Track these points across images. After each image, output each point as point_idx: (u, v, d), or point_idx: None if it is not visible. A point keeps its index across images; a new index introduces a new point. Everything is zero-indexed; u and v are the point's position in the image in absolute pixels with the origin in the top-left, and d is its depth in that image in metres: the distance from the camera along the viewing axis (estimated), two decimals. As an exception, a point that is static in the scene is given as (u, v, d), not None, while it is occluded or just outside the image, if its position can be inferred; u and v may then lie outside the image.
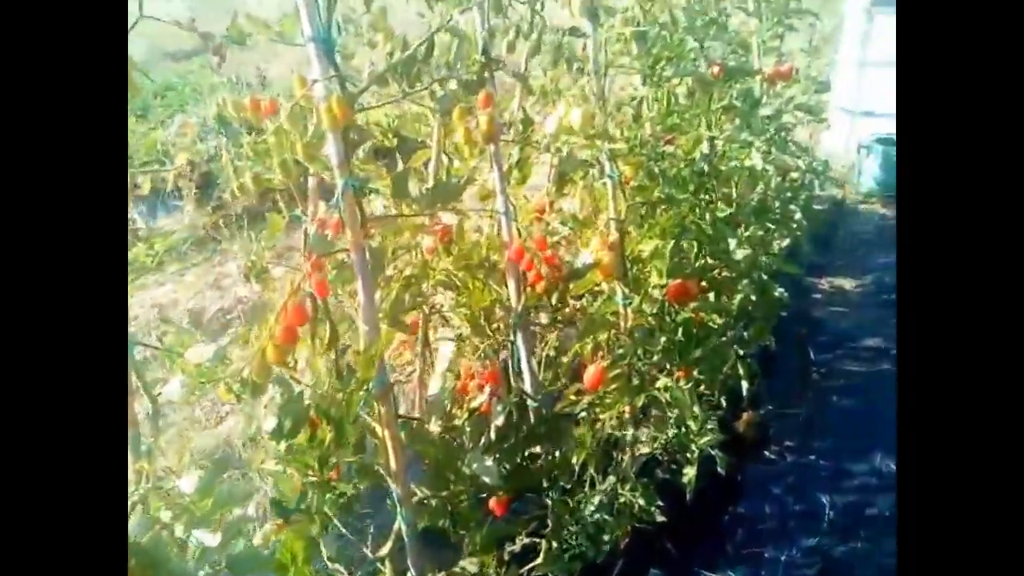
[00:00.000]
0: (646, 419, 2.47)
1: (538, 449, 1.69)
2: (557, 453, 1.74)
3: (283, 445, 1.24)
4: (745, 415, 3.04)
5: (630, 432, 2.31)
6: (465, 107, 1.44)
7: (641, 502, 2.17)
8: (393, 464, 1.35)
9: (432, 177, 2.18)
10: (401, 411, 2.73)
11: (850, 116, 5.76)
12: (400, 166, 1.73)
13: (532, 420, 1.63)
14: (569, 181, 2.20)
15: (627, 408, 2.27)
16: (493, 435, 1.43)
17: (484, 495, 1.59)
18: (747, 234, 2.66)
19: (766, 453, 2.99)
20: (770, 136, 3.37)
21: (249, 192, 1.48)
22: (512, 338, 1.81)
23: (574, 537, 2.04)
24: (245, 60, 8.21)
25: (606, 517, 2.11)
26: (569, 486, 2.17)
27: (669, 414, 2.15)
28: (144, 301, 4.61)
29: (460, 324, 2.98)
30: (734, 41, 2.55)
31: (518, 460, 1.56)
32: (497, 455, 1.43)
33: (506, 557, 1.77)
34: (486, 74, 1.39)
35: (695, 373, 2.24)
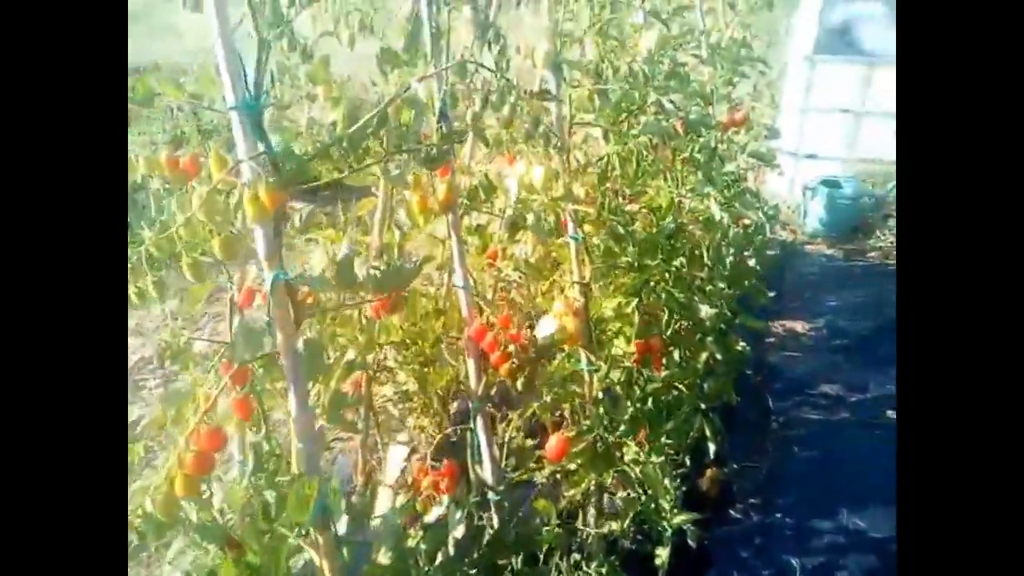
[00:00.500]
0: (614, 487, 2.34)
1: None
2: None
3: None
4: (708, 471, 2.94)
5: (594, 510, 2.17)
6: (420, 175, 1.30)
7: (609, 584, 2.02)
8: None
9: (379, 235, 2.02)
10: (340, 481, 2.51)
11: (793, 159, 5.87)
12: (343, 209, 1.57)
13: (496, 525, 1.47)
14: (521, 227, 2.08)
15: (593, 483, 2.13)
16: (452, 549, 1.27)
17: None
18: (710, 288, 2.59)
19: (731, 512, 2.89)
20: (726, 185, 3.35)
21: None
22: (472, 425, 1.65)
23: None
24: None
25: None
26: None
27: (639, 491, 2.02)
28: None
29: (406, 380, 2.80)
30: (695, 93, 2.49)
31: (482, 576, 1.39)
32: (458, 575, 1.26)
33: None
34: (446, 146, 1.25)
35: (664, 440, 2.13)
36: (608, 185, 1.85)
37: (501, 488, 1.69)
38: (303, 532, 1.15)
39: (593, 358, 2.02)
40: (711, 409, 2.91)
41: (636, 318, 1.92)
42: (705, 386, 2.97)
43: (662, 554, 1.99)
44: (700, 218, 2.69)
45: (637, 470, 2.02)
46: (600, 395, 2.06)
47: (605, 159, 1.94)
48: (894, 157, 5.36)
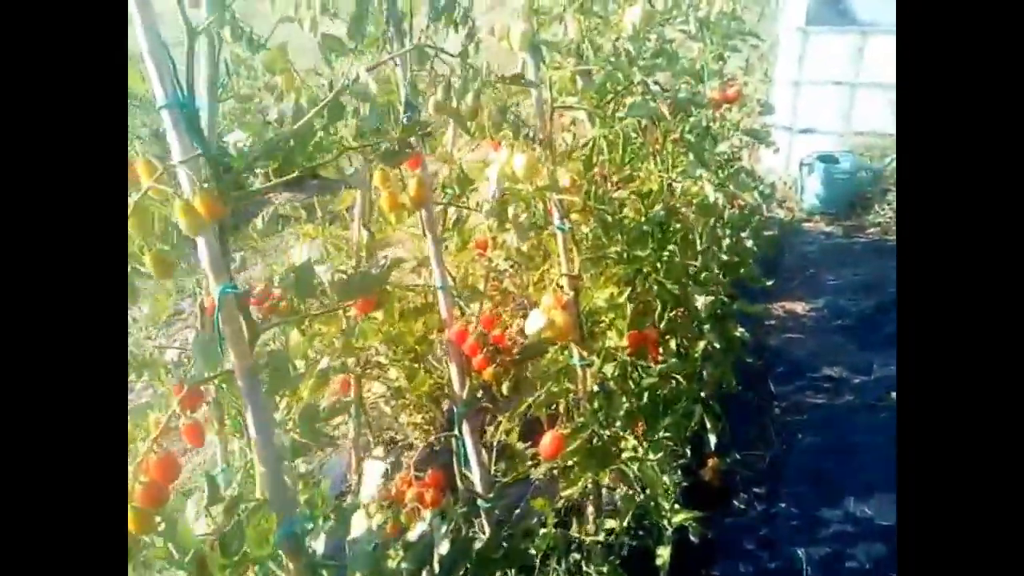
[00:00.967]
0: (613, 482, 2.25)
1: None
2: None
3: None
4: (710, 461, 2.86)
5: (593, 508, 2.09)
6: (387, 170, 1.19)
7: (610, 585, 1.95)
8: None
9: (358, 231, 1.92)
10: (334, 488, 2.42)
11: (788, 134, 5.75)
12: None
13: (486, 538, 1.38)
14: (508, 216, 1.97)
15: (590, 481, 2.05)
16: (437, 567, 1.18)
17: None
18: (704, 275, 2.49)
19: (734, 502, 2.81)
20: (720, 165, 3.25)
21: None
22: (457, 432, 1.55)
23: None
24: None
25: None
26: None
27: (637, 488, 1.93)
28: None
29: (397, 376, 2.71)
30: (684, 71, 2.38)
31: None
32: (445, 596, 1.18)
33: None
34: (412, 139, 1.14)
35: (662, 435, 2.04)
36: (595, 171, 1.74)
37: (491, 495, 1.60)
38: (271, 563, 1.06)
39: (585, 353, 1.93)
40: (711, 397, 2.84)
41: (628, 310, 1.82)
42: (704, 374, 2.90)
43: (663, 553, 1.90)
44: (693, 201, 2.59)
45: (635, 467, 1.93)
46: (596, 389, 1.97)
47: (591, 144, 1.84)
48: (891, 129, 5.24)
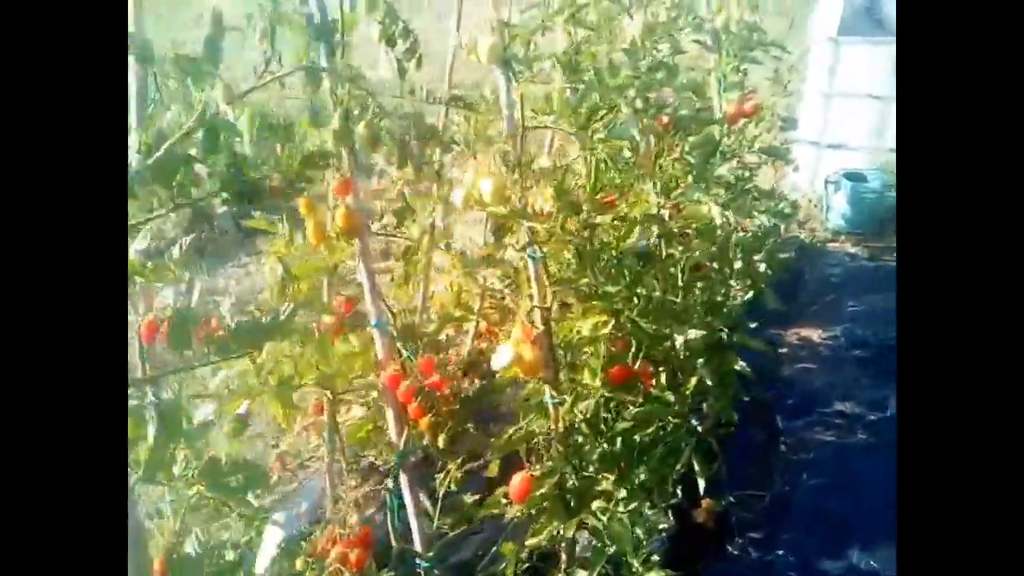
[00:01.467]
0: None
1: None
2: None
3: None
4: (704, 502, 2.68)
5: (565, 556, 1.93)
6: (313, 197, 1.06)
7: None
8: None
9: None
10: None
11: (816, 149, 5.51)
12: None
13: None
14: (508, 231, 1.83)
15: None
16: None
17: None
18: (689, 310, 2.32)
19: (728, 547, 2.63)
20: (728, 184, 3.06)
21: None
22: (390, 485, 1.42)
23: None
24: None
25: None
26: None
27: (607, 542, 1.78)
28: None
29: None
30: (686, 86, 2.21)
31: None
32: None
33: None
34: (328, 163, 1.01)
35: (638, 483, 1.87)
36: (570, 197, 1.59)
37: (430, 554, 1.46)
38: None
39: (555, 392, 1.77)
40: (708, 433, 2.66)
41: (602, 349, 1.67)
42: (704, 407, 2.72)
43: (632, 617, 1.74)
44: (694, 225, 2.42)
45: (605, 518, 1.78)
46: (575, 428, 1.81)
47: (563, 167, 1.68)
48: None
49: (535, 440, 1.91)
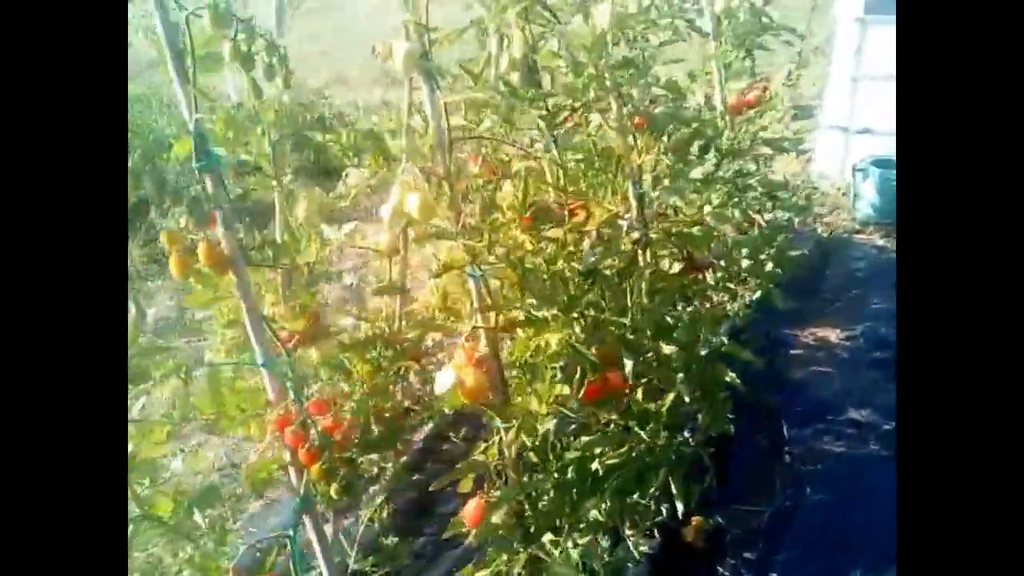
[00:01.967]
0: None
1: None
2: None
3: None
4: (693, 520, 2.54)
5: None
6: (173, 231, 0.98)
7: None
8: None
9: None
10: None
11: (844, 134, 5.22)
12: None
13: None
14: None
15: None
16: None
17: None
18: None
19: (719, 568, 2.49)
20: (728, 180, 2.89)
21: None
22: (291, 532, 1.33)
23: None
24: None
25: None
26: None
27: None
28: None
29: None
30: (662, 84, 2.05)
31: None
32: None
33: None
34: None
35: (595, 516, 1.75)
36: (500, 215, 1.47)
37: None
38: None
39: (503, 419, 1.67)
40: (700, 444, 2.52)
41: (548, 372, 1.55)
42: (699, 417, 2.58)
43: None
44: (674, 230, 2.27)
45: (557, 553, 1.67)
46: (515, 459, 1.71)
47: (496, 180, 1.56)
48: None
49: (495, 464, 1.81)
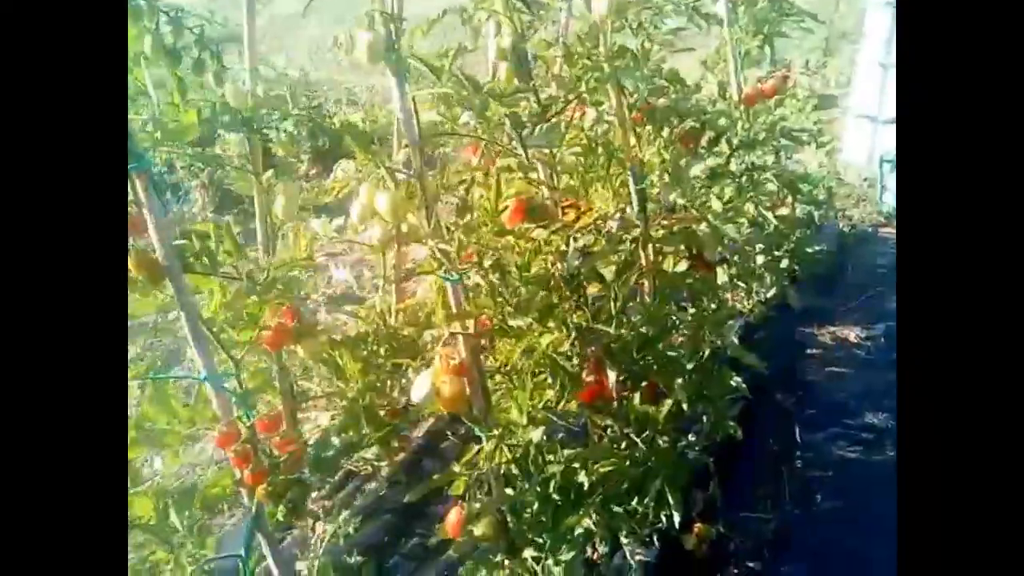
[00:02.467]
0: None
1: None
2: None
3: None
4: (696, 527, 2.45)
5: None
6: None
7: None
8: None
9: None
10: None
11: (872, 124, 5.02)
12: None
13: None
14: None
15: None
16: None
17: None
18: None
19: (721, 580, 2.40)
20: (740, 174, 2.77)
21: None
22: (240, 552, 1.28)
23: None
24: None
25: None
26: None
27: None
28: None
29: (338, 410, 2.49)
30: (659, 74, 1.95)
31: None
32: None
33: None
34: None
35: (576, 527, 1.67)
36: (471, 217, 1.39)
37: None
38: None
39: (483, 428, 1.60)
40: (706, 449, 2.43)
41: (528, 380, 1.47)
42: (704, 420, 2.48)
43: None
44: (676, 228, 2.17)
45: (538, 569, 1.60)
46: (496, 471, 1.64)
47: (469, 179, 1.47)
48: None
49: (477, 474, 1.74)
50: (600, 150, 1.92)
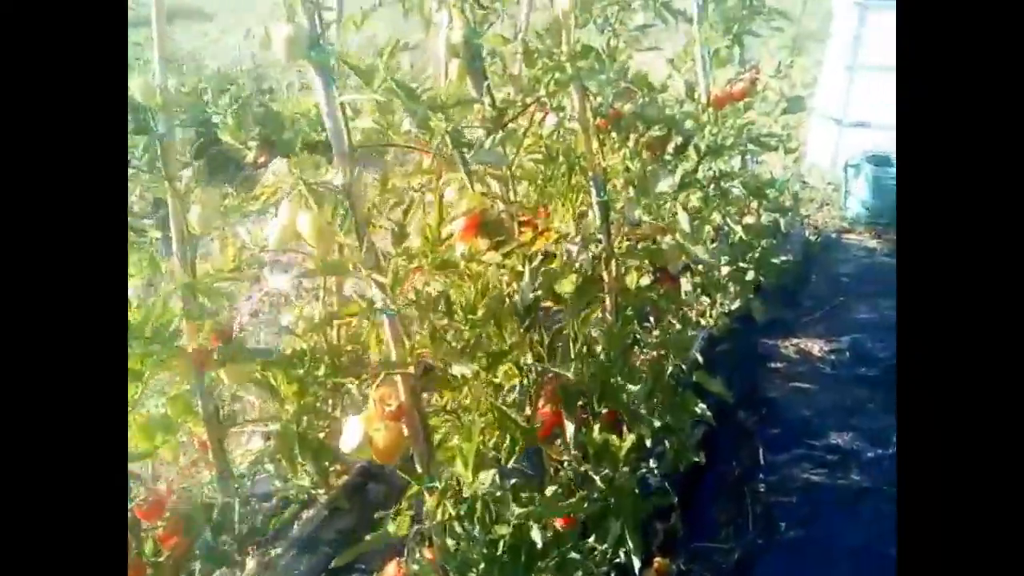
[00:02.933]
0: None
1: None
2: None
3: None
4: (656, 562, 2.30)
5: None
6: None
7: None
8: None
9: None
10: None
11: (837, 126, 4.94)
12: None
13: None
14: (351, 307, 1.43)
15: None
16: None
17: None
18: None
19: (681, 615, 2.26)
20: (708, 182, 2.61)
21: None
22: None
23: None
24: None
25: None
26: None
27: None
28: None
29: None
30: (626, 77, 1.76)
31: None
32: None
33: None
34: None
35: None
36: (408, 244, 1.18)
37: None
38: None
39: (423, 479, 1.40)
40: (667, 478, 2.28)
41: (476, 434, 1.28)
42: (665, 444, 2.33)
43: None
44: (640, 245, 2.00)
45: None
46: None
47: (414, 200, 1.26)
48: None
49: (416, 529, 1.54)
50: (561, 159, 1.73)
